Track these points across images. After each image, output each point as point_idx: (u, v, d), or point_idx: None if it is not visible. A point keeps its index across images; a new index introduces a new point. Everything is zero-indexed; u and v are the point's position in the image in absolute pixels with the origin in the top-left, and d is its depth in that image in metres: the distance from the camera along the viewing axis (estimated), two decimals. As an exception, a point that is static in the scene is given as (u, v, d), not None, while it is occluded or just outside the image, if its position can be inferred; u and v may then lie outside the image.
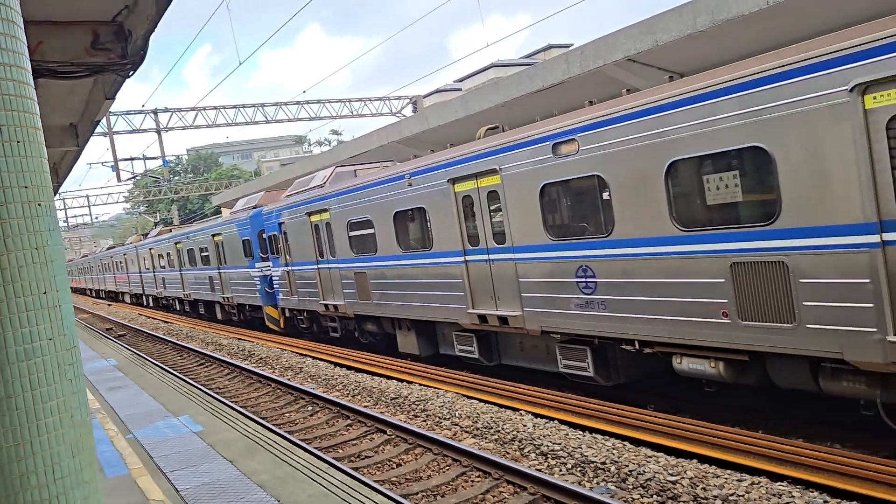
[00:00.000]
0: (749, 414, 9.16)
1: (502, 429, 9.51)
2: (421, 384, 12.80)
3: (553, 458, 8.37)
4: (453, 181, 11.86)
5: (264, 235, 20.83)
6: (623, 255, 8.98)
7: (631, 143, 8.57)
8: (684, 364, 8.67)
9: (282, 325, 21.22)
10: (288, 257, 19.13)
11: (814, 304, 6.95)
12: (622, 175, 8.78)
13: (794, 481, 6.82)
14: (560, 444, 8.60)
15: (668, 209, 8.28)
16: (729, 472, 7.19)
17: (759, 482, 6.85)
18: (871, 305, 6.47)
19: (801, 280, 7.02)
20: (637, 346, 9.16)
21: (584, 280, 9.62)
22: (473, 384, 12.12)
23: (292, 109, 37.04)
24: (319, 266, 17.29)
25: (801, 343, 7.14)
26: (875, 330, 6.46)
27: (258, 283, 21.75)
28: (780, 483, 6.79)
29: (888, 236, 6.28)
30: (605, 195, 9.08)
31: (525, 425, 9.48)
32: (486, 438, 9.49)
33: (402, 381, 13.36)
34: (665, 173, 8.21)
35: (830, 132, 6.52)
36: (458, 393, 11.76)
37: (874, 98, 6.18)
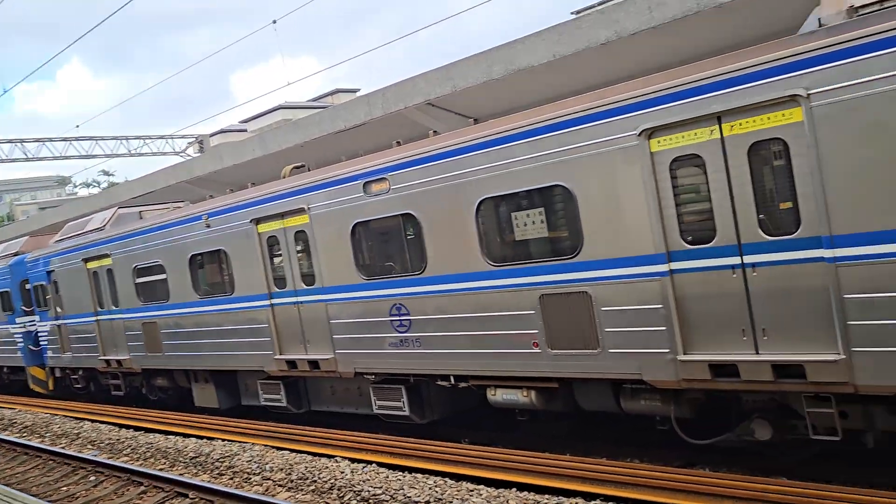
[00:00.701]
0: (559, 440, 9.62)
1: (319, 478, 9.08)
2: (224, 439, 11.89)
3: (376, 503, 8.13)
4: (257, 221, 11.35)
5: (28, 286, 18.39)
6: (436, 291, 9.11)
7: (441, 181, 8.79)
8: (498, 395, 8.92)
9: (50, 388, 18.74)
10: (59, 309, 17.02)
11: (615, 330, 7.51)
12: (434, 213, 8.96)
13: (606, 499, 7.23)
14: (381, 487, 8.39)
15: (480, 245, 8.56)
16: (548, 496, 7.45)
17: (576, 503, 7.16)
18: (663, 328, 7.12)
19: (603, 308, 7.57)
20: (453, 382, 9.28)
21: (398, 318, 9.60)
22: (284, 434, 11.51)
23: (58, 147, 33.53)
24: (99, 317, 15.57)
25: (604, 367, 7.66)
26: (668, 350, 7.11)
27: (20, 340, 19.06)
28: (593, 501, 7.16)
29: (675, 265, 6.99)
30: (417, 233, 9.20)
31: (343, 472, 9.14)
32: (302, 490, 8.99)
33: (202, 437, 12.32)
34: (475, 211, 8.50)
35: (624, 172, 7.17)
36: (267, 445, 11.08)
37: (658, 142, 6.92)
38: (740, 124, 6.38)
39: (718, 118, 6.49)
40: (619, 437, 9.26)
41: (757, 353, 6.58)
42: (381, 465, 9.35)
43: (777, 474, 7.16)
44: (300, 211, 10.58)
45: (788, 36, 6.46)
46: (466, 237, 8.65)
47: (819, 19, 6.19)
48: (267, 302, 11.42)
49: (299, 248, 10.82)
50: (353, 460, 9.66)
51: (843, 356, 6.01)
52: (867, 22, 5.73)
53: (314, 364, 10.84)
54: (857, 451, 6.85)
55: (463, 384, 9.21)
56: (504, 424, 10.16)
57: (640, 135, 6.98)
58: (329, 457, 10.01)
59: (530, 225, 8.16)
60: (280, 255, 11.14)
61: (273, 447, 10.91)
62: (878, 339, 5.83)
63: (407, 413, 10.00)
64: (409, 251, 9.44)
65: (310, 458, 10.01)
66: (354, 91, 48.49)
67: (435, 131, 9.85)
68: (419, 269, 9.25)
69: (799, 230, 6.19)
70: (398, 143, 9.91)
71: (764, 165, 6.37)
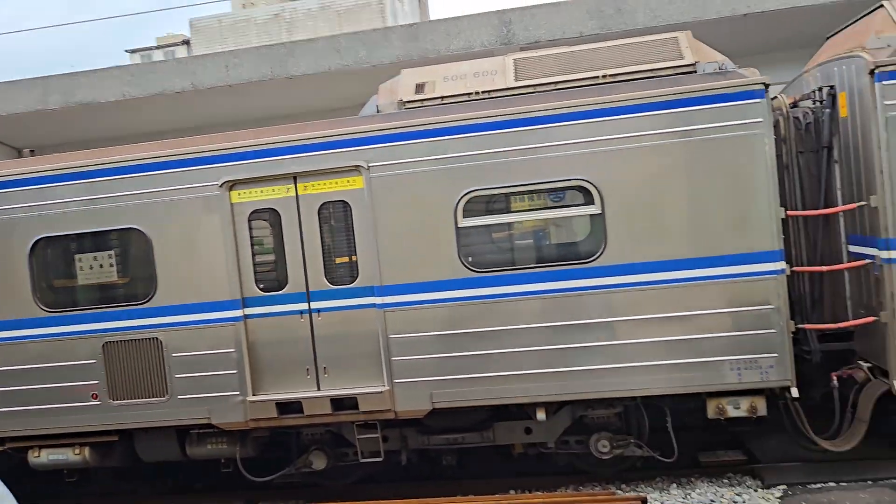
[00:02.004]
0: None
1: None
2: None
3: None
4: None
5: None
6: (-29, 341, 7.83)
7: (-13, 215, 7.73)
8: (43, 457, 8.02)
9: None
10: None
11: (185, 376, 7.53)
12: (-26, 250, 7.77)
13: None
14: None
15: (32, 289, 7.73)
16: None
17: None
18: (234, 372, 7.43)
19: (174, 354, 7.53)
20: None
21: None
22: None
23: None
24: None
25: (173, 414, 7.58)
26: (238, 393, 7.43)
27: None
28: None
29: (249, 311, 7.42)
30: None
31: None
32: None
33: None
34: (30, 251, 7.69)
35: (204, 220, 7.39)
36: None
37: (239, 194, 7.36)
38: (313, 185, 7.24)
39: (295, 178, 7.25)
40: (175, 486, 9.11)
41: (319, 389, 7.35)
42: None
43: (332, 499, 7.96)
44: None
45: (351, 116, 7.62)
46: (17, 280, 7.72)
47: (377, 105, 7.48)
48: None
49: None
50: None
51: (388, 387, 7.15)
52: (412, 114, 7.18)
53: None
54: (394, 467, 8.08)
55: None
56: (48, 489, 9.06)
57: (221, 186, 7.31)
58: None
59: (97, 269, 7.71)
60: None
61: None
62: (411, 371, 7.12)
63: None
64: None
65: None
66: None
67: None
68: (-53, 315, 7.84)
69: (357, 280, 7.23)
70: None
71: (331, 223, 7.31)
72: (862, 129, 6.75)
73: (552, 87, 7.13)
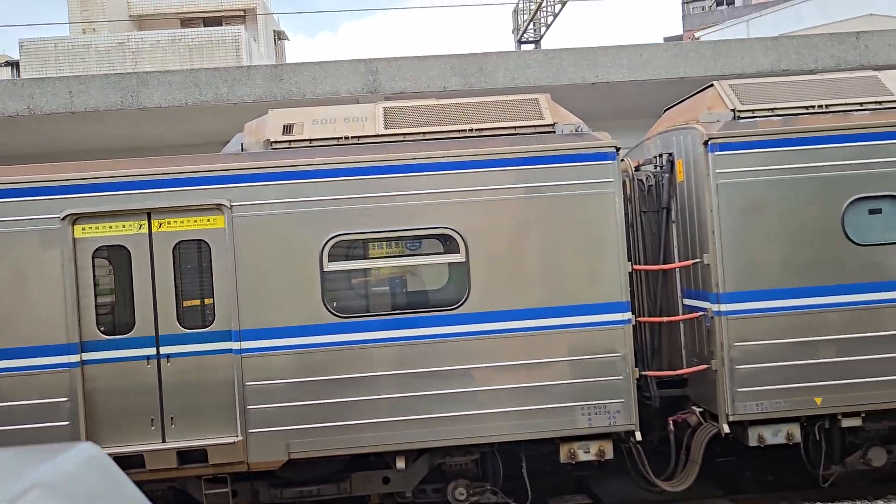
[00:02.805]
0: None
1: None
2: None
3: None
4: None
5: None
6: None
7: None
8: None
9: None
10: None
11: (9, 428, 6.75)
12: None
13: None
14: None
15: None
16: None
17: None
18: (67, 423, 6.76)
19: (-3, 404, 6.74)
20: None
21: None
22: None
23: None
24: None
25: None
26: (71, 446, 6.74)
27: None
28: None
29: (87, 356, 6.81)
30: None
31: None
32: None
33: None
34: None
35: (41, 255, 6.75)
36: None
37: (84, 228, 6.81)
38: (168, 223, 6.85)
39: (149, 214, 6.83)
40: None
41: (164, 441, 6.84)
42: None
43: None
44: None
45: (209, 153, 7.35)
46: None
47: (242, 144, 7.27)
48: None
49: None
50: None
51: (241, 437, 6.79)
52: (279, 154, 7.05)
53: None
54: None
55: None
56: None
57: (63, 219, 6.74)
58: None
59: None
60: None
61: None
62: (267, 420, 6.83)
63: None
64: None
65: None
66: None
67: None
68: None
69: (213, 324, 6.87)
70: None
71: (188, 263, 6.93)
72: (696, 193, 7.47)
73: (421, 136, 7.30)
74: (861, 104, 7.56)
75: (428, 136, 7.29)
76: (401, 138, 7.28)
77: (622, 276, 7.05)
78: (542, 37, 26.86)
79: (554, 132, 7.35)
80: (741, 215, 7.14)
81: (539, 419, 6.96)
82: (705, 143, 7.20)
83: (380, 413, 6.89)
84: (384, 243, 7.18)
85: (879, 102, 7.56)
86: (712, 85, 8.00)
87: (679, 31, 42.51)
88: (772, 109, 7.56)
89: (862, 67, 10.17)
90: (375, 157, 6.98)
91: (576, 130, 7.34)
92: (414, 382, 6.91)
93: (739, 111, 7.52)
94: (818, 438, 7.27)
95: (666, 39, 41.22)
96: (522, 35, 26.83)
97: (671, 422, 7.57)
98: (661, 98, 9.65)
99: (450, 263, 7.06)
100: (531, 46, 26.09)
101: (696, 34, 31.94)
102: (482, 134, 7.30)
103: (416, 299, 7.17)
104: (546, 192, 7.04)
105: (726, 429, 7.02)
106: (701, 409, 7.52)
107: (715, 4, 44.20)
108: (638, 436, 7.03)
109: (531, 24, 26.23)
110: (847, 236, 7.14)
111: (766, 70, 10.49)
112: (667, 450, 7.64)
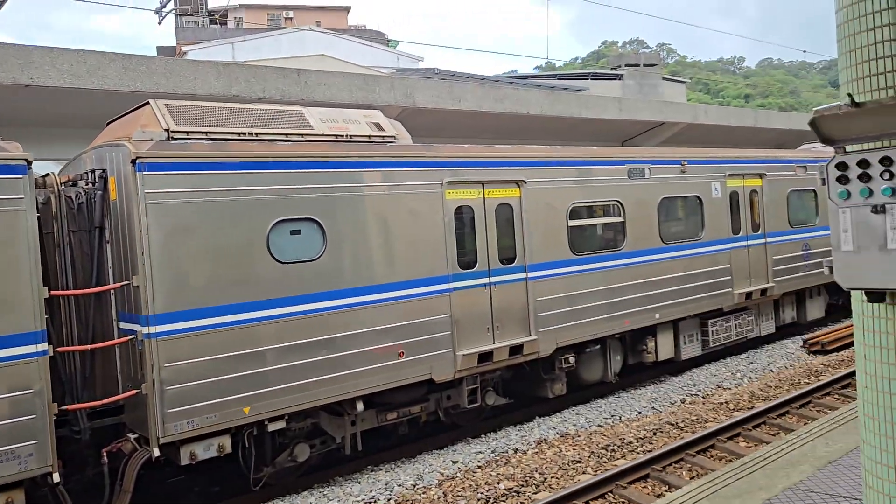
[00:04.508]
0: None
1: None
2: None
3: None
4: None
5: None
6: None
7: None
8: None
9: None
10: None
11: None
12: None
13: None
14: None
15: None
16: None
17: None
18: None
19: None
20: None
21: None
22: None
23: None
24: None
25: None
26: None
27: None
28: None
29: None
30: None
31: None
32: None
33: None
34: None
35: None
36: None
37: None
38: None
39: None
40: None
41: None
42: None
43: None
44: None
45: None
46: None
47: None
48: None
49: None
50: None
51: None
52: None
53: None
54: None
55: None
56: None
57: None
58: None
59: None
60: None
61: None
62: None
63: None
64: None
65: None
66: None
67: None
68: None
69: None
70: None
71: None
72: (127, 213, 7.21)
73: None
74: (287, 135, 8.35)
75: None
76: None
77: (36, 303, 6.38)
78: None
79: (-56, 137, 6.27)
80: (172, 236, 7.15)
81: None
82: (133, 161, 7.01)
83: None
84: None
85: (302, 135, 8.46)
86: (148, 103, 7.87)
87: (174, 42, 41.89)
88: (206, 133, 7.80)
89: (302, 102, 11.28)
90: None
91: (-25, 138, 6.38)
92: None
93: (173, 132, 7.56)
94: (247, 445, 7.73)
95: (160, 51, 40.19)
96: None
97: (105, 453, 7.16)
98: (116, 110, 9.07)
99: None
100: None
101: (184, 49, 31.84)
102: None
103: None
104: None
105: (157, 452, 6.92)
106: (136, 436, 7.28)
107: (208, 22, 44.91)
108: (56, 477, 6.42)
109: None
110: (272, 255, 7.76)
111: (218, 94, 10.80)
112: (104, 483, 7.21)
